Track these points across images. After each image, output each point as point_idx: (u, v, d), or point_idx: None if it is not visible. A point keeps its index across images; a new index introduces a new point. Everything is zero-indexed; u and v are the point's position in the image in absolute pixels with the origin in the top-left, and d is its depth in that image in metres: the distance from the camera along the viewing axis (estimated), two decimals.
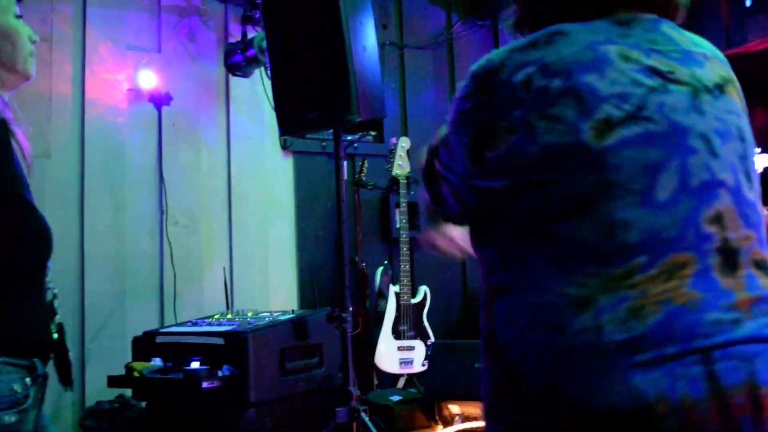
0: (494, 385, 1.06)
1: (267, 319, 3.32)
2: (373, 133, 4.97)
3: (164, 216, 4.28)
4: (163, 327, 3.71)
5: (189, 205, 4.43)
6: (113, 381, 3.23)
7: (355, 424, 2.91)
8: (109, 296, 4.08)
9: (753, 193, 1.06)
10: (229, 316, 3.56)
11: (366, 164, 4.62)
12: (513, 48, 1.07)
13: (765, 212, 1.12)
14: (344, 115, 2.95)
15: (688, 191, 0.98)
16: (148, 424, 3.28)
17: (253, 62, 4.45)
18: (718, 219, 0.99)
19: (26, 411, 1.58)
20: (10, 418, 1.52)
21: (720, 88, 1.07)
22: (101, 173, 4.16)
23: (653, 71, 1.03)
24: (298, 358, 3.26)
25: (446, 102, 5.53)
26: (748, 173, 1.05)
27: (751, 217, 1.03)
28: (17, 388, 1.56)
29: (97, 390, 3.67)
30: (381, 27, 5.25)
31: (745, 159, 1.05)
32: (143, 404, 3.39)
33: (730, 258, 0.98)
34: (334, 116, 3.03)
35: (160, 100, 4.31)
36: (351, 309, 3.03)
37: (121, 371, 3.20)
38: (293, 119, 3.17)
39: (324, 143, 4.80)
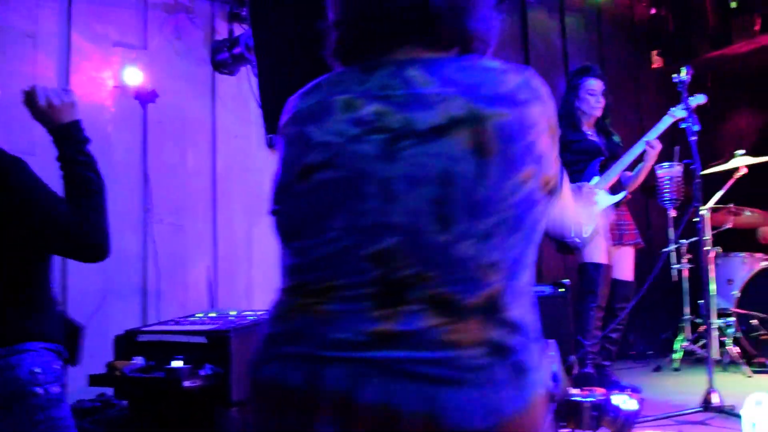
0: None
1: (250, 318, 3.31)
2: None
3: (149, 214, 4.27)
4: (146, 325, 3.69)
5: (174, 204, 4.42)
6: (95, 380, 3.21)
7: None
8: (91, 294, 4.06)
9: (447, 236, 1.08)
10: (212, 314, 3.55)
11: None
12: (300, 93, 1.27)
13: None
14: None
15: (352, 231, 1.11)
16: (130, 423, 3.27)
17: (239, 60, 4.44)
18: (379, 257, 1.09)
19: (64, 385, 1.97)
20: (57, 389, 1.92)
21: (439, 131, 1.10)
22: None
23: (359, 121, 1.13)
24: None
25: None
26: (442, 216, 1.08)
27: (435, 259, 1.08)
28: (56, 366, 1.95)
29: (79, 388, 3.65)
30: None
31: (443, 204, 1.08)
32: (125, 403, 3.37)
33: (391, 293, 1.08)
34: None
35: (145, 98, 4.29)
36: None
37: (103, 370, 3.19)
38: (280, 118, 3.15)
39: None
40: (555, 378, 2.23)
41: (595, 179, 4.20)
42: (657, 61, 7.01)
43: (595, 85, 4.40)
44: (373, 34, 1.23)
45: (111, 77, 4.27)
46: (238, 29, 4.57)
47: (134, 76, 4.28)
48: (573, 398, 2.41)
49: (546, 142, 1.15)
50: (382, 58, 1.21)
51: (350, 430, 1.06)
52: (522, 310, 1.13)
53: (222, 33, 4.64)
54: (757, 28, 6.31)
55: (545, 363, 1.16)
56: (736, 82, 7.50)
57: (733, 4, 6.13)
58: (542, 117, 1.15)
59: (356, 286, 1.10)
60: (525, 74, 1.17)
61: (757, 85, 7.63)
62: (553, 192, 1.18)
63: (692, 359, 5.33)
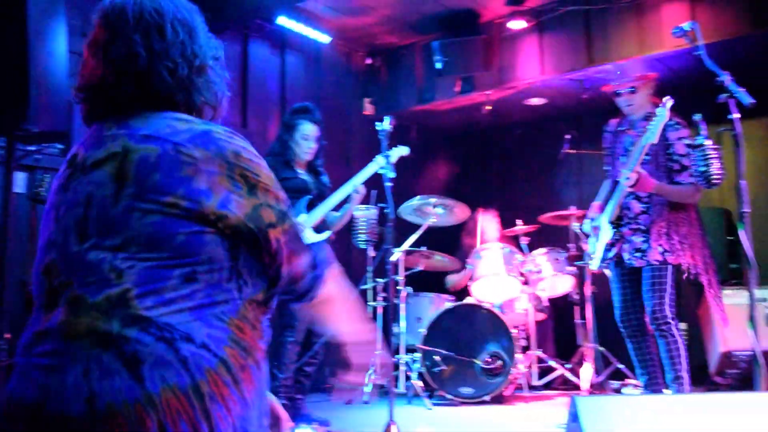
0: None
1: None
2: (59, 146, 4.61)
3: None
4: None
5: None
6: None
7: None
8: None
9: (81, 247, 1.29)
10: None
11: (47, 179, 4.27)
12: None
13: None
14: (19, 123, 2.70)
15: (40, 249, 1.37)
16: None
17: None
18: (48, 270, 1.32)
19: None
20: None
21: (94, 165, 1.34)
22: None
23: (73, 164, 1.39)
24: None
25: None
26: (81, 232, 1.30)
27: (74, 266, 1.28)
28: None
29: None
30: (81, 35, 4.93)
31: (84, 221, 1.30)
32: None
33: (52, 298, 1.29)
34: (8, 124, 2.77)
35: None
36: (8, 336, 2.75)
37: None
38: None
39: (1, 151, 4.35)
40: None
41: (302, 217, 4.29)
42: (369, 109, 7.41)
43: (311, 130, 4.46)
44: (104, 104, 1.43)
45: None
46: None
47: None
48: None
49: (214, 180, 1.31)
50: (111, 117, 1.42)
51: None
52: (168, 312, 1.23)
53: None
54: (457, 89, 6.94)
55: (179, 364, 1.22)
56: (437, 135, 8.19)
57: (438, 66, 6.68)
58: (212, 160, 1.32)
59: (39, 297, 1.32)
60: (213, 126, 1.39)
61: (454, 140, 8.40)
62: (232, 224, 1.32)
63: (381, 392, 5.61)
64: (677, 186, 3.93)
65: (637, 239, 3.98)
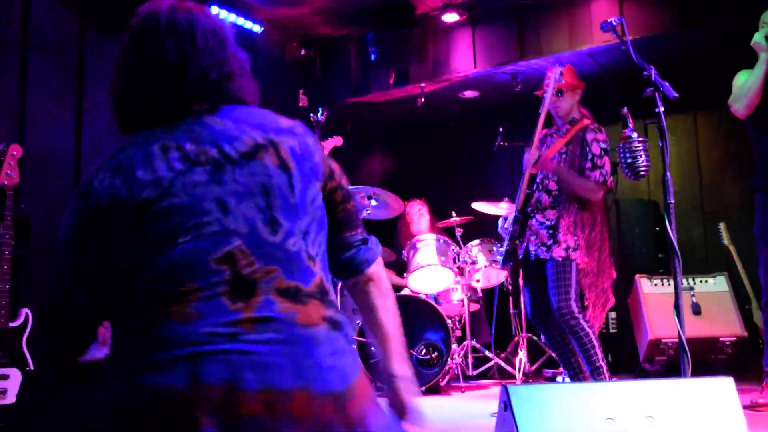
0: None
1: None
2: None
3: None
4: None
5: None
6: None
7: None
8: None
9: (278, 236, 1.36)
10: None
11: None
12: (107, 158, 1.44)
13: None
14: None
15: (201, 239, 1.32)
16: None
17: None
18: (227, 259, 1.31)
19: None
20: None
21: (247, 157, 1.40)
22: None
23: (183, 158, 1.38)
24: None
25: (68, 109, 5.19)
26: (271, 220, 1.36)
27: (275, 254, 1.34)
28: None
29: None
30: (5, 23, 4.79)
31: (268, 209, 1.37)
32: None
33: (243, 287, 1.30)
34: None
35: None
36: None
37: None
38: None
39: None
40: None
41: None
42: (303, 100, 7.35)
43: None
44: (169, 105, 1.46)
45: None
46: None
47: None
48: None
49: (325, 163, 1.52)
50: (176, 117, 1.45)
51: (235, 421, 1.20)
52: (333, 294, 1.42)
53: None
54: (391, 81, 6.94)
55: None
56: (373, 127, 8.19)
57: (373, 57, 6.67)
58: (317, 146, 1.51)
59: (212, 286, 1.29)
60: (293, 120, 1.54)
61: (388, 132, 8.41)
62: (337, 201, 1.54)
63: None
64: (579, 177, 4.03)
65: (544, 233, 4.06)
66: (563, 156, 4.08)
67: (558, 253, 3.97)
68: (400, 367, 1.63)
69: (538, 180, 4.19)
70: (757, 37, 4.11)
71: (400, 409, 1.61)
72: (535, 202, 4.15)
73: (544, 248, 4.03)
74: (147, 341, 1.28)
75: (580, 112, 4.19)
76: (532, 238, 4.10)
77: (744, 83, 4.15)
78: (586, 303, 3.95)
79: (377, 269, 1.63)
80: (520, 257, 4.19)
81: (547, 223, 4.07)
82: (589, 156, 4.03)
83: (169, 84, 1.46)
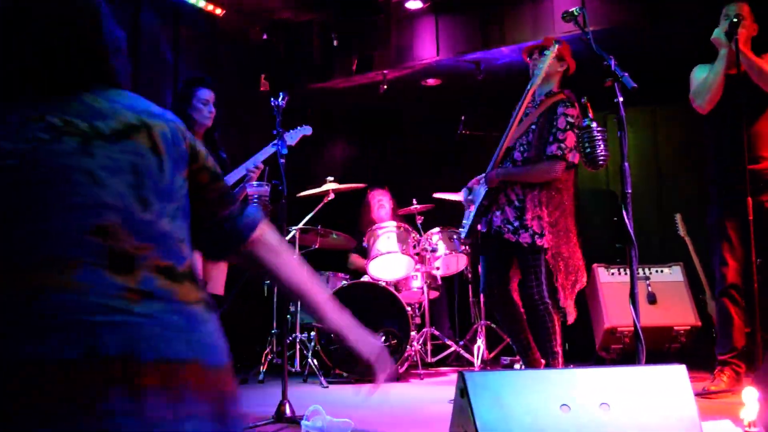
0: None
1: None
2: None
3: None
4: None
5: None
6: None
7: None
8: None
9: (150, 215, 1.35)
10: None
11: None
12: None
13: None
14: None
15: (68, 210, 1.28)
16: None
17: None
18: (101, 231, 1.28)
19: None
20: None
21: (119, 135, 1.37)
22: None
23: (49, 128, 1.33)
24: None
25: None
26: (142, 199, 1.34)
27: (149, 232, 1.34)
28: None
29: None
30: None
31: (139, 188, 1.35)
32: None
33: (122, 261, 1.28)
34: None
35: None
36: None
37: None
38: None
39: None
40: None
41: None
42: (264, 85, 7.28)
43: (207, 95, 4.38)
44: (37, 79, 1.41)
45: None
46: None
47: None
48: None
49: (191, 148, 1.49)
50: (45, 92, 1.40)
51: (136, 392, 1.19)
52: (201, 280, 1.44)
53: None
54: (354, 68, 6.92)
55: None
56: (334, 114, 8.15)
57: (336, 43, 6.64)
58: (186, 133, 1.49)
59: (90, 256, 1.25)
60: (163, 108, 1.51)
61: (350, 120, 8.39)
62: (204, 182, 1.53)
63: (277, 371, 5.58)
64: (525, 167, 4.07)
65: (510, 211, 4.08)
66: (533, 128, 4.09)
67: (525, 239, 3.99)
68: (336, 318, 1.61)
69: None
70: (717, 33, 4.17)
71: (364, 364, 1.60)
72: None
73: (509, 227, 4.05)
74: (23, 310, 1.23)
75: (559, 88, 4.19)
76: (498, 213, 4.12)
77: (705, 79, 4.21)
78: (556, 284, 3.98)
79: (261, 231, 1.59)
80: (483, 230, 4.21)
81: (516, 203, 4.08)
82: (553, 129, 4.04)
83: (38, 59, 1.41)
